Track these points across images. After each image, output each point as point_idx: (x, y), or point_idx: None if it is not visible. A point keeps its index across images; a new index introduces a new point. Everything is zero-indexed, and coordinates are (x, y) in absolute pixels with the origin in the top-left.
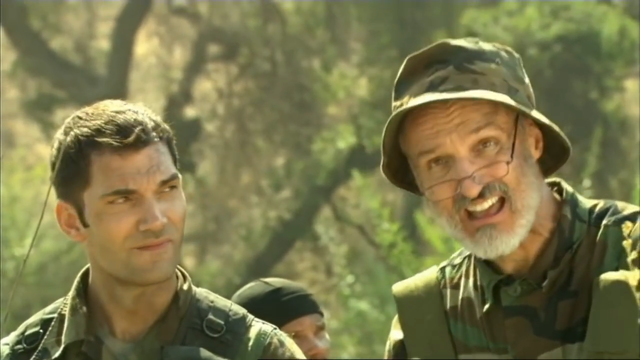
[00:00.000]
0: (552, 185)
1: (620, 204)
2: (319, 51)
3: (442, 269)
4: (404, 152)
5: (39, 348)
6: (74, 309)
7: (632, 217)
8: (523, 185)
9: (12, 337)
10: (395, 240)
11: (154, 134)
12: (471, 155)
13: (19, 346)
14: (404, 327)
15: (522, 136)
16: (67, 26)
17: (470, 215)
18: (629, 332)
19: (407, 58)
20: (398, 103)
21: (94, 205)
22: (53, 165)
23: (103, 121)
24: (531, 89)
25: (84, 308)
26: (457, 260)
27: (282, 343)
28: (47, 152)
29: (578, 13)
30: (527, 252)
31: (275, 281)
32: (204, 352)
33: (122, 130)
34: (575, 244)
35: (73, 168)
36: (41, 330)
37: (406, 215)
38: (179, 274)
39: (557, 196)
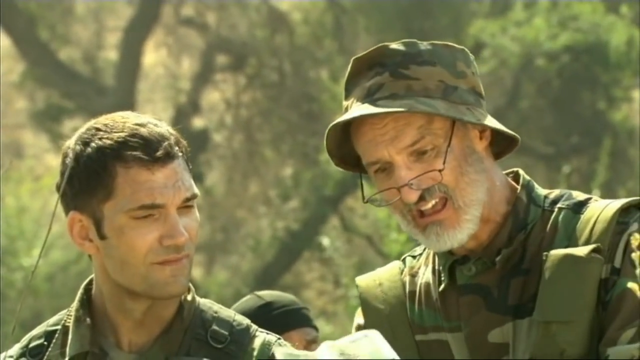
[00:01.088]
0: (510, 173)
1: (574, 193)
2: (326, 61)
3: (404, 260)
4: (355, 147)
5: None
6: (78, 321)
7: (584, 202)
8: (462, 184)
9: (15, 349)
10: (403, 251)
11: (177, 148)
12: (410, 161)
13: (23, 359)
14: (365, 314)
15: (461, 134)
16: (75, 37)
17: (420, 212)
18: (575, 303)
19: (352, 59)
20: (346, 104)
21: (117, 218)
22: (63, 174)
23: (127, 134)
24: (477, 79)
25: (88, 320)
26: (418, 251)
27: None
28: (55, 162)
29: (586, 23)
30: (479, 239)
31: (267, 295)
32: None
33: (149, 143)
34: (530, 225)
35: (95, 179)
36: (45, 342)
37: None
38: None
39: (514, 183)
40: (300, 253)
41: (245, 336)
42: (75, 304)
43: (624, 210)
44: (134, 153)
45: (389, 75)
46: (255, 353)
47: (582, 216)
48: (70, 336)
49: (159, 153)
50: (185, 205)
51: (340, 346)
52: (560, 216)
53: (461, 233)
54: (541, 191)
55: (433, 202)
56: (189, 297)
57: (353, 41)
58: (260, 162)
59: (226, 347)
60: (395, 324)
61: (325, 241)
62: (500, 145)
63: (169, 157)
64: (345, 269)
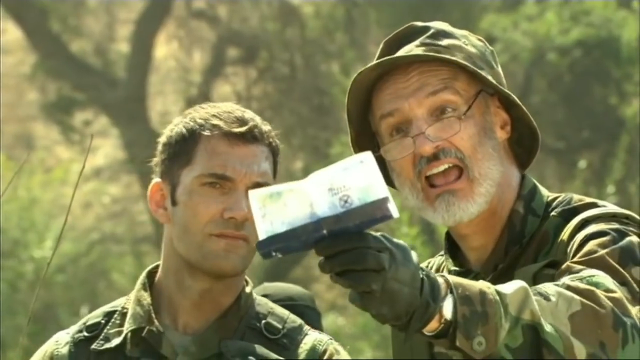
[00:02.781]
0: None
1: (576, 197)
2: (338, 55)
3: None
4: (372, 127)
5: (101, 336)
6: (139, 301)
7: (577, 210)
8: (479, 154)
9: (73, 328)
10: (414, 244)
11: (265, 137)
12: (428, 118)
13: (79, 334)
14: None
15: (483, 108)
16: (87, 29)
17: (431, 185)
18: None
19: (382, 41)
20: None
21: (189, 182)
22: (162, 145)
23: (221, 110)
24: (502, 78)
25: (149, 299)
26: (433, 260)
27: (337, 352)
28: (66, 154)
29: (598, 18)
30: (486, 239)
31: (270, 287)
32: (261, 349)
33: (236, 120)
34: (526, 239)
35: (181, 145)
36: (102, 321)
37: (425, 219)
38: (245, 279)
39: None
40: None
41: (298, 333)
42: (137, 286)
43: (589, 221)
44: (219, 123)
45: (419, 42)
46: (307, 348)
47: (568, 225)
48: (129, 314)
49: (243, 129)
50: None
51: (330, 176)
52: (552, 224)
53: (473, 207)
54: (543, 198)
55: (447, 164)
56: (247, 289)
57: (364, 35)
58: None
59: (279, 339)
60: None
61: None
62: (519, 157)
63: (252, 137)
64: None
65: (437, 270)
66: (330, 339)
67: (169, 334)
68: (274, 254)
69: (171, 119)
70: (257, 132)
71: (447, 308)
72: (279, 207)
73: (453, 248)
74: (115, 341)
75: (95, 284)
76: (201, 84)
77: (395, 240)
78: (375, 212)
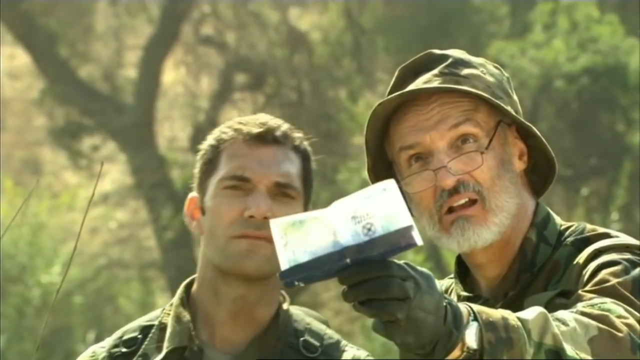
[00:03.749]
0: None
1: (589, 226)
2: (345, 81)
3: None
4: (389, 156)
5: (139, 353)
6: (178, 317)
7: (590, 240)
8: (497, 187)
9: (108, 341)
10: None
11: (289, 139)
12: (449, 151)
13: (116, 349)
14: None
15: (502, 140)
16: (95, 54)
17: (449, 209)
18: None
19: (398, 69)
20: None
21: (214, 187)
22: (197, 161)
23: (249, 118)
24: (519, 106)
25: (188, 316)
26: (442, 282)
27: None
28: (74, 180)
29: (605, 45)
30: (501, 269)
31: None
32: None
33: (258, 124)
34: (537, 267)
35: (209, 156)
36: (140, 336)
37: (431, 246)
38: (282, 294)
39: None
40: None
41: (336, 349)
42: (175, 301)
43: (603, 251)
44: (241, 128)
45: (438, 72)
46: None
47: (580, 255)
48: (169, 330)
49: (261, 131)
50: (282, 193)
51: (353, 204)
52: (564, 253)
53: (487, 233)
54: (557, 226)
55: (465, 199)
56: (285, 306)
57: (372, 61)
58: None
59: (317, 357)
60: None
61: None
62: (534, 185)
63: (273, 139)
64: None
65: (445, 293)
66: (368, 355)
67: (208, 352)
68: (296, 283)
69: (179, 145)
70: (280, 134)
71: (470, 336)
72: (302, 236)
73: (463, 273)
74: (155, 358)
75: (102, 309)
76: (209, 109)
77: (419, 268)
78: (399, 240)
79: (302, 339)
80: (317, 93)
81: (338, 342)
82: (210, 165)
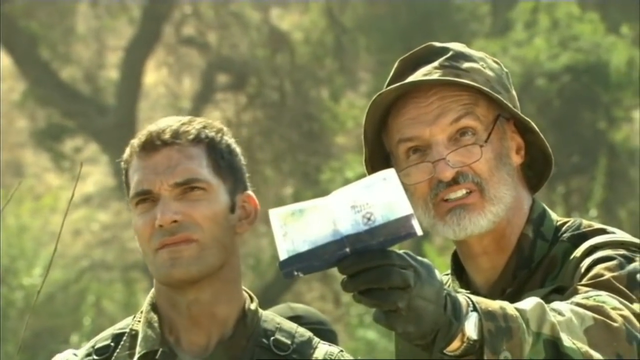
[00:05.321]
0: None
1: (585, 222)
2: (327, 81)
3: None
4: (387, 147)
5: None
6: (149, 322)
7: (586, 236)
8: (495, 178)
9: (81, 350)
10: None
11: (182, 136)
12: (448, 143)
13: (88, 358)
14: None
15: (500, 134)
16: (76, 56)
17: (444, 201)
18: None
19: (397, 60)
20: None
21: (132, 208)
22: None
23: (146, 128)
24: (517, 101)
25: (157, 321)
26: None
27: None
28: (56, 182)
29: (586, 43)
30: (495, 262)
31: (300, 309)
32: None
33: (147, 134)
34: (534, 263)
35: (123, 178)
36: (112, 344)
37: (414, 246)
38: (246, 294)
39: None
40: None
41: (308, 347)
42: (145, 307)
43: (598, 247)
44: (134, 142)
45: (438, 65)
46: None
47: (576, 251)
48: (140, 335)
49: (146, 139)
50: (189, 190)
51: (353, 193)
52: (561, 249)
53: (483, 220)
54: (553, 222)
55: (464, 190)
56: (252, 306)
57: (354, 61)
58: (261, 181)
59: (289, 355)
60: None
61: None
62: (529, 180)
63: (161, 143)
64: None
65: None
66: (341, 350)
67: (181, 355)
68: (295, 273)
69: None
70: (168, 135)
71: (470, 326)
72: (301, 226)
73: (458, 270)
74: None
75: (85, 311)
76: (191, 110)
77: (418, 257)
78: (399, 229)
79: (272, 338)
80: (299, 93)
81: (310, 340)
82: (126, 187)
